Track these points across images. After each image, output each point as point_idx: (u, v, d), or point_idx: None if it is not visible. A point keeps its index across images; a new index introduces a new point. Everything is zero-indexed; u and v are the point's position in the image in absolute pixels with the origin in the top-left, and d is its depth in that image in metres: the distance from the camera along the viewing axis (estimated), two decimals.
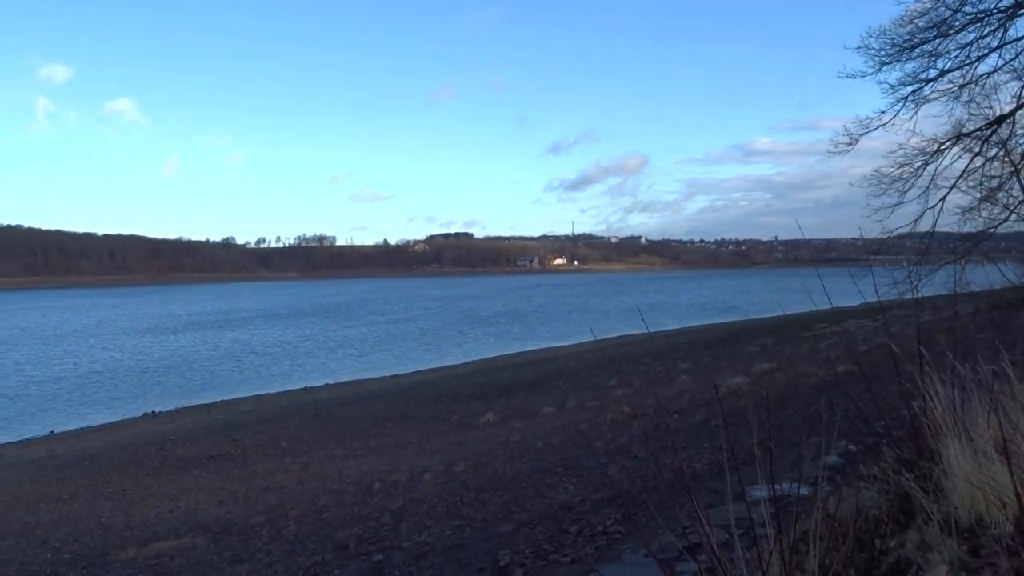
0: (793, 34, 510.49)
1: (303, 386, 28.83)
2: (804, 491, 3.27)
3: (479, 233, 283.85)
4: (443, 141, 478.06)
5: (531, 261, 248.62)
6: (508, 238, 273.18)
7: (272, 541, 8.51)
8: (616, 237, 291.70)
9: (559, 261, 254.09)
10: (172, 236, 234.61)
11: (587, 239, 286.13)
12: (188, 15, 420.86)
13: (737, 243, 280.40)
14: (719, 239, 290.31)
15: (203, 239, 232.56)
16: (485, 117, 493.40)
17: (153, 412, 24.60)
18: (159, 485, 13.76)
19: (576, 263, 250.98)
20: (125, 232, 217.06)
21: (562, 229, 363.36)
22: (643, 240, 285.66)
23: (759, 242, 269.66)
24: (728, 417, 9.98)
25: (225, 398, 26.81)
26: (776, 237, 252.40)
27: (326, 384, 29.15)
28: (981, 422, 2.90)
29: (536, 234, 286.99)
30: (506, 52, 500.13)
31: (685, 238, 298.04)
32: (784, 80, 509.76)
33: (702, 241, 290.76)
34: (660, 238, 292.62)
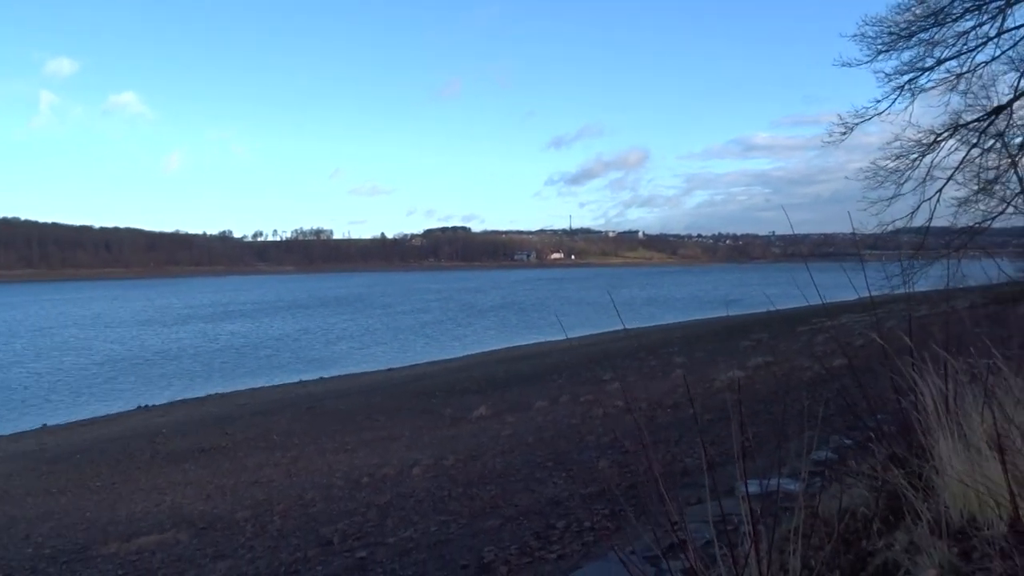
0: (799, 28, 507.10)
1: (298, 379, 28.71)
2: (792, 487, 3.14)
3: (477, 227, 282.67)
4: (448, 136, 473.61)
5: (528, 255, 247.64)
6: (505, 232, 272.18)
7: (256, 536, 8.38)
8: (614, 231, 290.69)
9: (556, 255, 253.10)
10: (169, 229, 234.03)
11: (585, 233, 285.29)
12: (193, 8, 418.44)
13: (735, 238, 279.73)
14: (716, 234, 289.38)
15: (200, 232, 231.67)
16: (491, 112, 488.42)
17: (147, 405, 24.47)
18: (148, 479, 13.63)
19: (573, 257, 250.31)
20: (122, 225, 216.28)
21: (560, 223, 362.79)
22: (641, 234, 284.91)
23: (756, 237, 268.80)
24: (720, 411, 9.87)
25: (221, 391, 26.70)
26: (774, 232, 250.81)
27: (321, 378, 29.05)
28: (975, 416, 2.76)
29: (534, 228, 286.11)
30: (511, 47, 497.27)
31: (683, 233, 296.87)
32: (788, 75, 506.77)
33: (700, 236, 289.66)
34: (658, 232, 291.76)
